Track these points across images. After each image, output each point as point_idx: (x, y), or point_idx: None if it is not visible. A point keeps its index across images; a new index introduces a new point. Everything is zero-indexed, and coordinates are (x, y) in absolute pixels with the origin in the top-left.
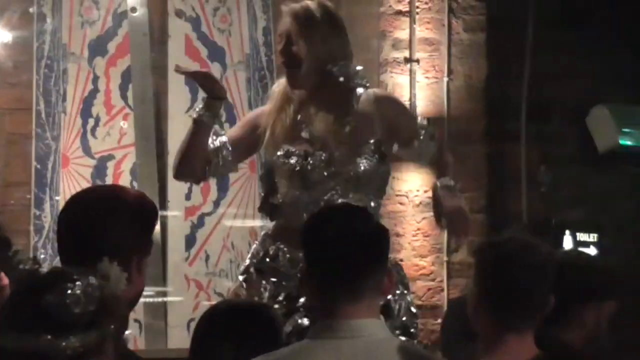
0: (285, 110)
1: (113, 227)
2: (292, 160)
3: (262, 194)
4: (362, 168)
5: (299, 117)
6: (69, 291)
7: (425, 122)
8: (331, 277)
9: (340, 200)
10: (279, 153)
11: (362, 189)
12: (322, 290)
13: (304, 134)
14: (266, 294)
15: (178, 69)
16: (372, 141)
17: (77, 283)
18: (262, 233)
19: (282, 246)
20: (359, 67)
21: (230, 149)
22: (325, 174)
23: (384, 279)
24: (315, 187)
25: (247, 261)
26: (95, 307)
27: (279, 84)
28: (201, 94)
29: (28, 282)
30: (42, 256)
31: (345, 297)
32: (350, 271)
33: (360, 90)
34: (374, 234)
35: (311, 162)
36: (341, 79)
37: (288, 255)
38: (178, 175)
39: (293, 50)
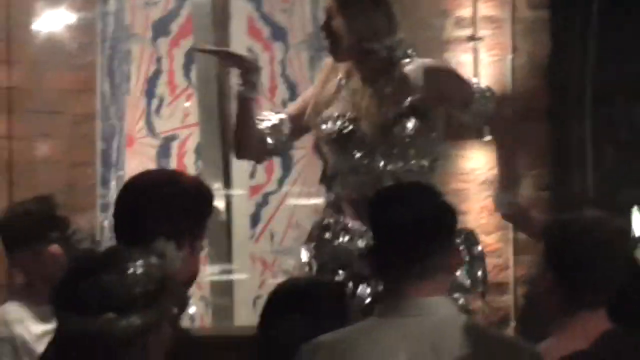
0: (330, 81)
1: (168, 209)
2: (329, 125)
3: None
4: (401, 128)
5: (342, 88)
6: (130, 270)
7: (482, 86)
8: (398, 254)
9: (383, 166)
10: (318, 119)
11: (405, 154)
12: (389, 268)
13: (344, 95)
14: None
15: (196, 49)
16: (408, 101)
17: (138, 262)
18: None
19: (339, 218)
20: (401, 38)
21: (289, 125)
22: (362, 135)
23: (451, 256)
24: (355, 152)
25: (309, 234)
26: (154, 286)
27: (326, 63)
28: (264, 72)
29: (88, 261)
30: (109, 235)
31: (412, 275)
32: (418, 249)
33: (406, 61)
34: (442, 212)
35: (348, 125)
36: (381, 52)
37: (343, 227)
38: (238, 155)
39: (333, 25)
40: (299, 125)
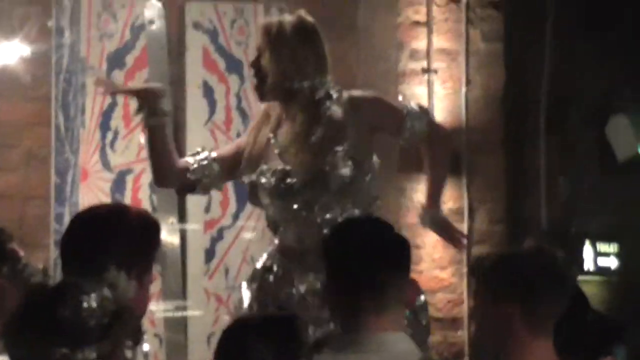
0: (261, 129)
1: (115, 241)
2: (266, 179)
3: None
4: (337, 177)
5: (271, 134)
6: (84, 304)
7: (414, 107)
8: (354, 290)
9: (327, 215)
10: (253, 175)
11: (343, 201)
12: (346, 304)
13: (275, 151)
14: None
15: (99, 84)
16: (341, 148)
17: (91, 295)
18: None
19: (283, 262)
20: (327, 79)
21: (218, 167)
22: (299, 188)
23: (406, 289)
24: (294, 203)
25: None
26: (108, 318)
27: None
28: (220, 105)
29: (41, 295)
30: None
31: (369, 310)
32: (374, 283)
33: (332, 98)
34: (396, 246)
35: (284, 179)
36: (305, 91)
37: (281, 270)
38: (156, 183)
39: (261, 63)
40: (228, 169)
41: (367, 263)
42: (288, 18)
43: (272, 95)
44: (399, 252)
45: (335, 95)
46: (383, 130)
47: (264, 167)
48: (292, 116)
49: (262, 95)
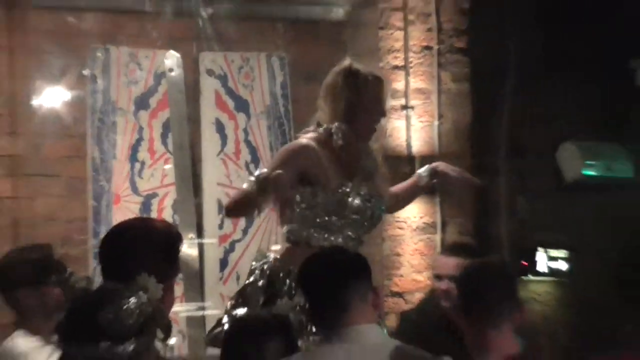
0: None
1: (144, 250)
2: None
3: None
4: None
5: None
6: (124, 306)
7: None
8: (322, 300)
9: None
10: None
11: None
12: (319, 312)
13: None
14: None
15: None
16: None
17: (129, 298)
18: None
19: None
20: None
21: None
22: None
23: (369, 292)
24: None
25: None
26: (143, 317)
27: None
28: (230, 138)
29: (87, 299)
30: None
31: (335, 311)
32: (334, 291)
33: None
34: (358, 266)
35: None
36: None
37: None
38: (230, 216)
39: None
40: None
41: (326, 282)
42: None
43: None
44: (362, 269)
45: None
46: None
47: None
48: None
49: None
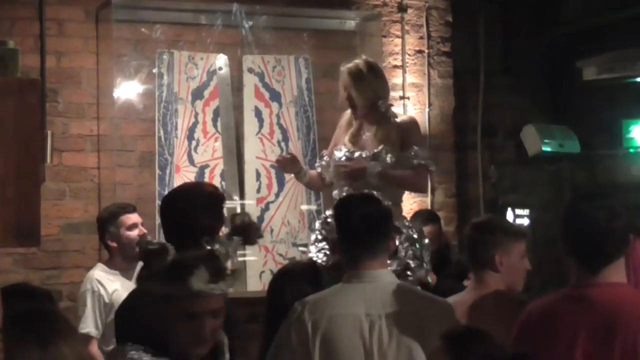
0: (347, 130)
1: (195, 205)
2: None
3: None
4: (377, 167)
5: (355, 132)
6: (216, 258)
7: (419, 151)
8: (355, 243)
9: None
10: (335, 153)
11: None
12: (349, 252)
13: (357, 142)
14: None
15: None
16: (381, 147)
17: (217, 255)
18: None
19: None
20: (390, 103)
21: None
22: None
23: (390, 242)
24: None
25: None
26: (225, 266)
27: (345, 114)
28: (266, 122)
29: (187, 257)
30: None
31: (366, 256)
32: (369, 239)
33: (392, 114)
34: (382, 213)
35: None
36: (383, 110)
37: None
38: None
39: (351, 96)
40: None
41: (362, 227)
42: (359, 61)
43: (362, 113)
44: (384, 217)
45: (395, 114)
46: (408, 143)
47: (343, 148)
48: (370, 122)
49: (356, 115)
